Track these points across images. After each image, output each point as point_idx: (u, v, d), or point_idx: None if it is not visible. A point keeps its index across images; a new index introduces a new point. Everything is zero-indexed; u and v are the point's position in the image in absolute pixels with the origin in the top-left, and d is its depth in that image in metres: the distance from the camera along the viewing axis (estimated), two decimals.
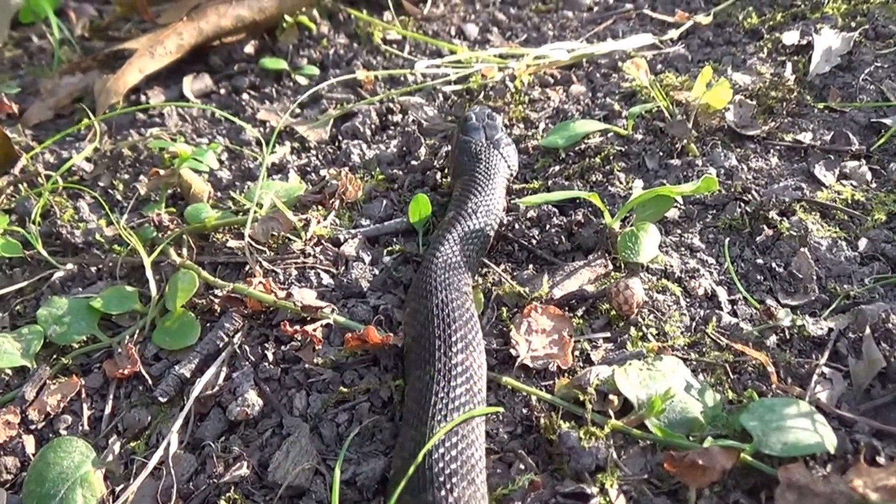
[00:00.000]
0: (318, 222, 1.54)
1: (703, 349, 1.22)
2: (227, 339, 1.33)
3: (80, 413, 1.27)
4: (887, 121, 1.63)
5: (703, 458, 0.99)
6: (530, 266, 1.42)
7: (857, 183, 1.52)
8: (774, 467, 1.01)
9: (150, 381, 1.29)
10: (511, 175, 1.58)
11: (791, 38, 1.96)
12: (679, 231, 1.45)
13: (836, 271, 1.34)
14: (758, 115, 1.70)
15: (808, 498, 0.96)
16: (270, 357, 1.29)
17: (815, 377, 1.15)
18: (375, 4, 2.45)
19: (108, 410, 1.27)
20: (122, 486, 1.15)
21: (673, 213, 1.48)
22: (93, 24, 2.51)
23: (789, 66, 1.86)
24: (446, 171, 1.69)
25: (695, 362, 1.20)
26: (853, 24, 1.98)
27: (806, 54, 1.89)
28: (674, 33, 2.14)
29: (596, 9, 2.43)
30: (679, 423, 1.08)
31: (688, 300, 1.31)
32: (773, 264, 1.36)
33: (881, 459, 1.01)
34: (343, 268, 1.46)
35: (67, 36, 2.37)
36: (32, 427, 1.25)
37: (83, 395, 1.29)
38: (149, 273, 1.42)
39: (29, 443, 1.22)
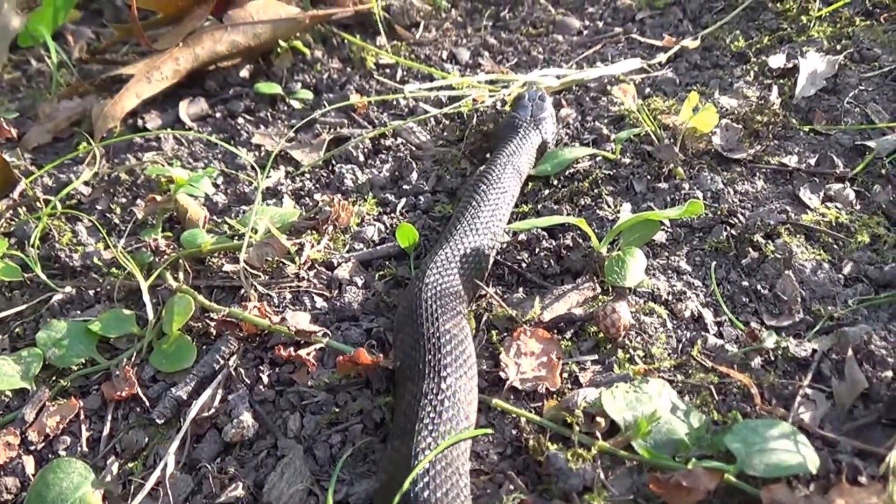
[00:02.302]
0: (312, 247, 1.56)
1: (689, 371, 1.24)
2: (222, 362, 1.35)
3: (78, 434, 1.29)
4: (871, 143, 1.65)
5: (687, 479, 1.01)
6: (520, 289, 1.44)
7: (841, 205, 1.54)
8: (758, 488, 1.02)
9: (147, 403, 1.30)
10: (544, 143, 1.76)
11: (777, 61, 1.99)
12: (666, 254, 1.48)
13: (820, 293, 1.36)
14: (744, 139, 1.73)
15: None
16: (265, 379, 1.31)
17: (798, 398, 1.17)
18: (368, 29, 2.49)
19: (106, 432, 1.29)
20: None
21: (660, 237, 1.50)
22: (90, 47, 2.54)
23: (775, 89, 1.89)
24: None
25: (681, 384, 1.22)
26: (838, 48, 2.02)
27: (792, 77, 1.92)
28: (662, 57, 2.17)
29: (585, 33, 2.46)
30: (665, 445, 1.10)
31: (674, 322, 1.33)
32: (759, 286, 1.38)
33: (863, 479, 1.03)
34: (336, 291, 1.48)
35: (65, 59, 2.39)
36: (32, 448, 1.27)
37: (82, 417, 1.31)
38: (146, 297, 1.44)
39: (28, 464, 1.24)
